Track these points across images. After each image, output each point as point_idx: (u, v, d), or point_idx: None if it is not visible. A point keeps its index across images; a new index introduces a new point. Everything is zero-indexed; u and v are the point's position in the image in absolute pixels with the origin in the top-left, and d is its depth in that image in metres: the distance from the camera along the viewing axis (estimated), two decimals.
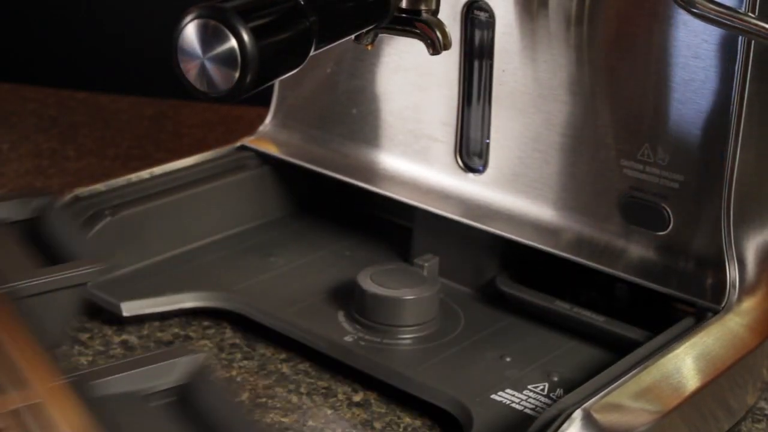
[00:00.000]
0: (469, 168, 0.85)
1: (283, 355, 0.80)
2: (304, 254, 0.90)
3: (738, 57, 0.71)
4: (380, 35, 0.76)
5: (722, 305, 0.73)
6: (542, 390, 0.73)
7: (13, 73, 1.44)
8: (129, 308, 0.83)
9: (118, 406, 0.60)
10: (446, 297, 0.83)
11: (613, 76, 0.76)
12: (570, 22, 0.76)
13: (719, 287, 0.74)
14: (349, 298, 0.81)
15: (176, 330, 0.83)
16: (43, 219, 0.80)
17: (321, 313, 0.81)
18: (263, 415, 0.73)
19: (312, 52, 0.67)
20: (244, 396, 0.75)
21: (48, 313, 0.72)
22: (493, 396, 0.72)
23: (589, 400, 0.64)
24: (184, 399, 0.62)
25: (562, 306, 0.80)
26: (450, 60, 0.83)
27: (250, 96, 0.65)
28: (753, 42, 0.70)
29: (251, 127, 0.97)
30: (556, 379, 0.74)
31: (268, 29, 0.64)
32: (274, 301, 0.82)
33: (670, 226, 0.76)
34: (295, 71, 0.68)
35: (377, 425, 0.73)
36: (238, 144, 0.96)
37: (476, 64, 0.83)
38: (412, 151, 0.87)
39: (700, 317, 0.74)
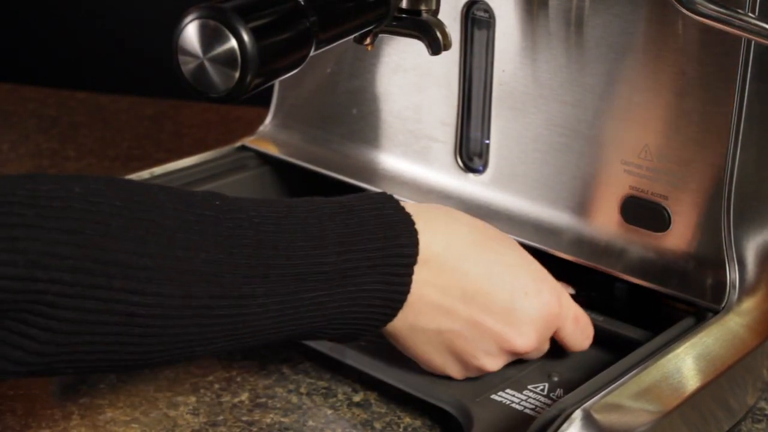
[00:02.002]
0: (469, 168, 0.85)
1: (283, 355, 0.80)
2: None
3: (738, 57, 0.71)
4: (380, 35, 0.76)
5: (722, 305, 0.73)
6: (542, 390, 0.73)
7: (13, 73, 1.44)
8: None
9: None
10: None
11: (613, 76, 0.76)
12: (570, 23, 0.76)
13: (719, 287, 0.74)
14: None
15: None
16: None
17: None
18: (263, 415, 0.73)
19: (312, 53, 0.67)
20: (244, 396, 0.75)
21: None
22: (493, 396, 0.72)
23: (589, 400, 0.64)
24: None
25: None
26: (450, 60, 0.83)
27: (250, 96, 0.65)
28: (753, 42, 0.70)
29: (251, 127, 0.97)
30: (556, 379, 0.74)
31: (268, 29, 0.64)
32: None
33: (670, 226, 0.76)
34: (295, 71, 0.68)
35: (377, 425, 0.73)
36: (238, 144, 0.96)
37: (476, 64, 0.83)
38: (412, 151, 0.87)
39: (700, 317, 0.74)
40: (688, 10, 0.67)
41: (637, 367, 0.68)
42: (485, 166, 0.83)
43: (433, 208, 0.72)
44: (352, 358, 0.76)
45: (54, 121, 1.24)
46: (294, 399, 0.75)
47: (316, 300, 0.65)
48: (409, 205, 0.70)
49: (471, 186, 0.84)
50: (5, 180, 0.58)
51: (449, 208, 0.73)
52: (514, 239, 0.74)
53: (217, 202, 0.64)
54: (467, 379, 0.74)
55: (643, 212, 0.76)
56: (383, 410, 0.74)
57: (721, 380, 0.70)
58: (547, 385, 0.74)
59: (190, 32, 0.64)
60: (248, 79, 0.64)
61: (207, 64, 0.64)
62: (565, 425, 0.62)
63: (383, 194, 0.70)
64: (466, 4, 0.81)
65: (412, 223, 0.68)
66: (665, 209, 0.75)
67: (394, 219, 0.68)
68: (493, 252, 0.71)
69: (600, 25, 0.75)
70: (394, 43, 0.86)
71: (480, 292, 0.69)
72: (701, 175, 0.74)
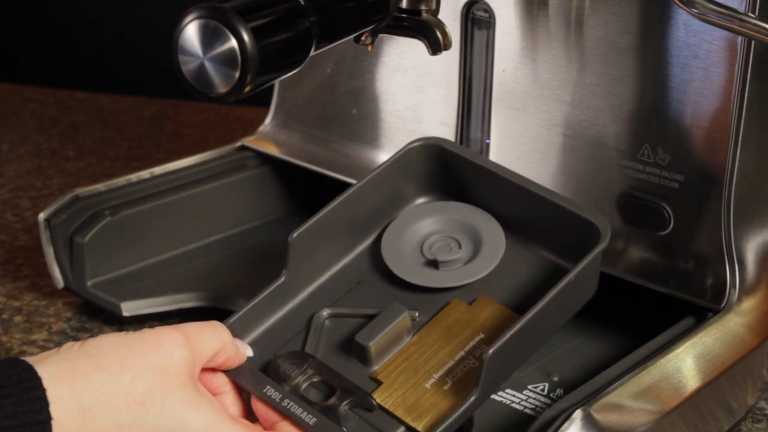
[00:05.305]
0: None
1: None
2: None
3: (738, 57, 0.71)
4: (380, 35, 0.76)
5: (722, 305, 0.73)
6: (542, 390, 0.73)
7: (13, 73, 1.44)
8: (129, 308, 0.83)
9: None
10: None
11: (613, 76, 0.76)
12: (570, 23, 0.76)
13: (719, 287, 0.74)
14: None
15: None
16: None
17: None
18: None
19: (312, 52, 0.67)
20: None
21: None
22: (493, 396, 0.72)
23: (589, 400, 0.64)
24: None
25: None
26: (450, 60, 0.83)
27: (250, 96, 0.65)
28: (753, 42, 0.70)
29: (251, 127, 0.97)
30: (556, 379, 0.74)
31: (268, 29, 0.64)
32: None
33: (670, 226, 0.76)
34: (295, 71, 0.68)
35: None
36: (238, 144, 0.96)
37: (476, 64, 0.83)
38: None
39: (700, 317, 0.74)
40: (688, 10, 0.67)
41: (637, 367, 0.68)
42: None
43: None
44: None
45: (54, 121, 1.24)
46: None
47: None
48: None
49: None
50: None
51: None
52: None
53: None
54: None
55: (643, 212, 0.76)
56: None
57: (721, 380, 0.70)
58: (547, 385, 0.74)
59: (190, 32, 0.64)
60: (248, 79, 0.64)
61: (207, 63, 0.64)
62: (565, 425, 0.62)
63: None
64: (466, 4, 0.81)
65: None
66: (665, 209, 0.75)
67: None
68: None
69: (600, 25, 0.75)
70: (394, 43, 0.86)
71: None
72: (701, 175, 0.74)
